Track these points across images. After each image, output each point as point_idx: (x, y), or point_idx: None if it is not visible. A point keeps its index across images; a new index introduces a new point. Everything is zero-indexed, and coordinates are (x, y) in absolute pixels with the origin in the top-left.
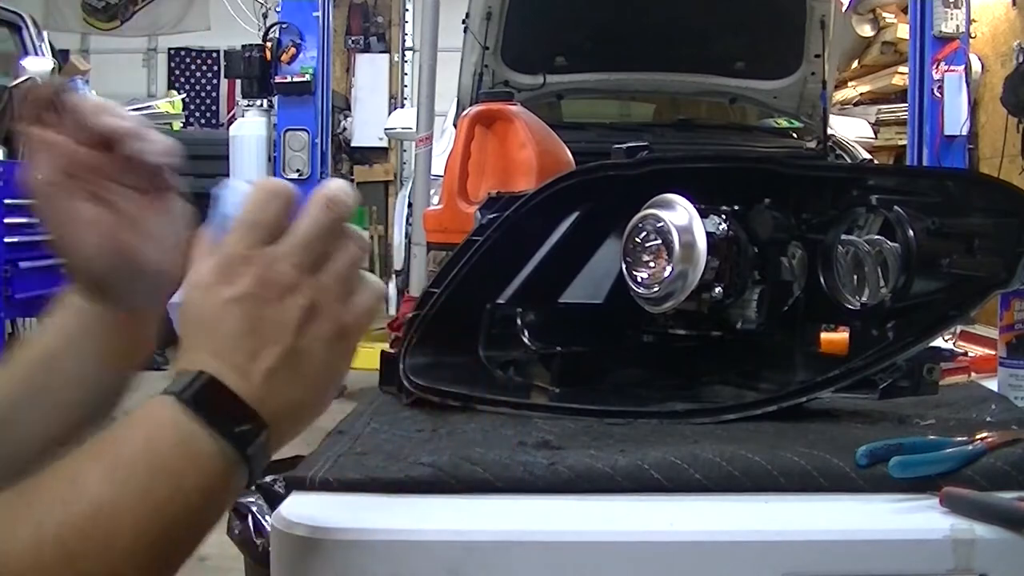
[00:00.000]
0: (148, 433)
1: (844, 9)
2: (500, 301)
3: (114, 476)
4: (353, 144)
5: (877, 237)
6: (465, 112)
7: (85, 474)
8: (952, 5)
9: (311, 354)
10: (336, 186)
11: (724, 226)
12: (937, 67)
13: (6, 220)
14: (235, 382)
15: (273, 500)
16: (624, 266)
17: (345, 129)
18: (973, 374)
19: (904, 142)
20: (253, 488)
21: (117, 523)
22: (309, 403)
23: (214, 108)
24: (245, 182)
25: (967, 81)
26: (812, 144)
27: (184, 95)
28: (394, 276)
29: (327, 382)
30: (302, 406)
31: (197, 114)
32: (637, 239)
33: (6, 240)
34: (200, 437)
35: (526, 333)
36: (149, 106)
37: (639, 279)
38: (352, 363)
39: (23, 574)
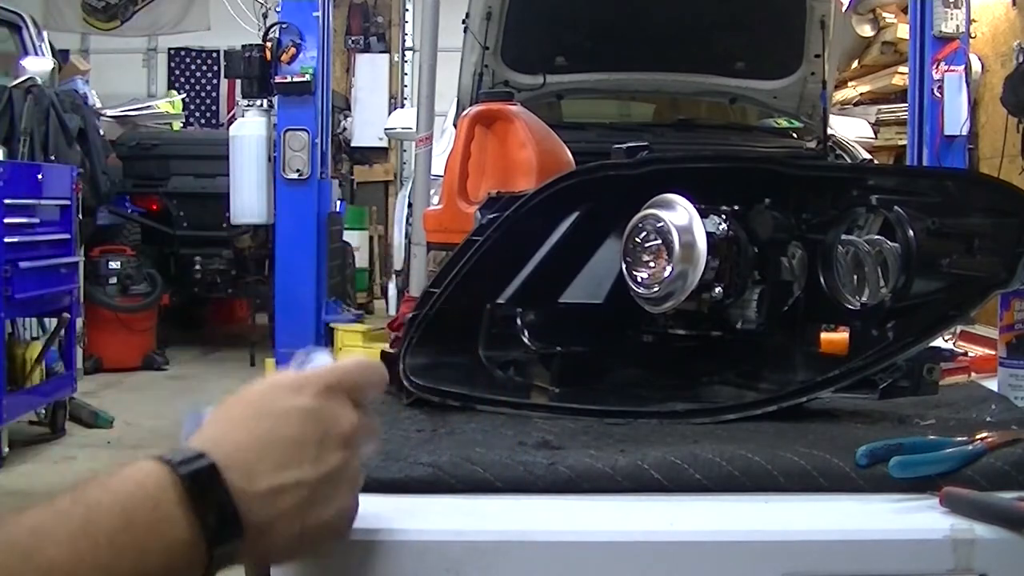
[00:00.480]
0: (126, 497)
1: (844, 9)
2: (500, 301)
3: (76, 542)
4: (353, 144)
5: (877, 237)
6: (465, 112)
7: (49, 531)
8: (952, 5)
9: (322, 506)
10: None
11: (724, 226)
12: (937, 67)
13: (6, 220)
14: (236, 480)
15: None
16: (624, 266)
17: (345, 129)
18: (973, 374)
19: (904, 142)
20: None
21: None
22: (290, 547)
23: (214, 108)
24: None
25: (967, 81)
26: (812, 144)
27: (184, 95)
28: (394, 276)
29: (313, 540)
30: (284, 541)
31: (197, 114)
32: (637, 239)
33: (6, 240)
34: (178, 522)
35: (526, 333)
36: (149, 106)
37: (639, 279)
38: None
39: None
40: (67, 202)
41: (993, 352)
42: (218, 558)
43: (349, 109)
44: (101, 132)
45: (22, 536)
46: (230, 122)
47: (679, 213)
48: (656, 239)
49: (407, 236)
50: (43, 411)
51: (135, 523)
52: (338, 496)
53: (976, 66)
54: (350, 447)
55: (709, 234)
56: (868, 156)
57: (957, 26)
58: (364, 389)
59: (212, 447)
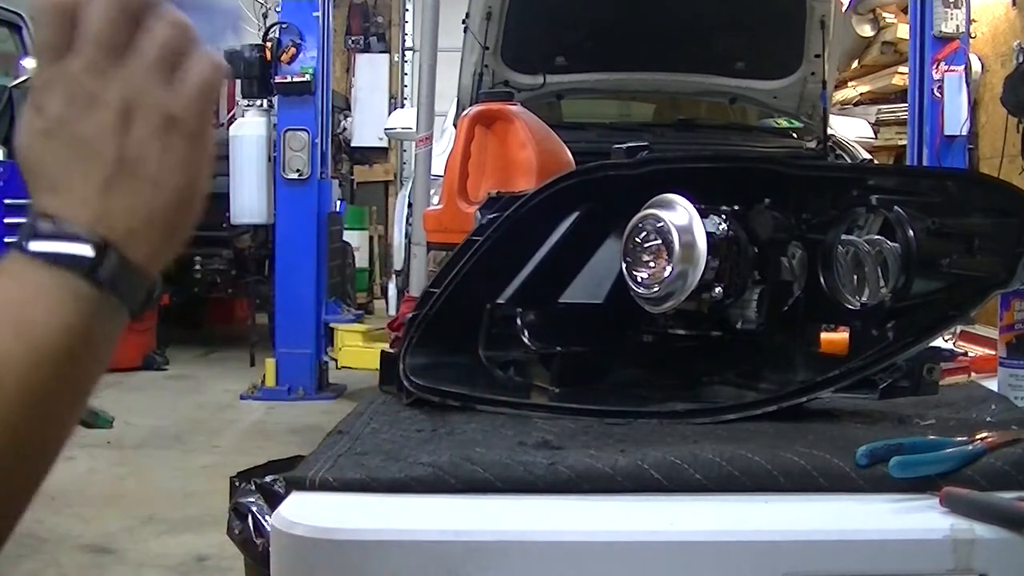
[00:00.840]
0: None
1: (844, 9)
2: (500, 301)
3: None
4: (353, 144)
5: (877, 237)
6: (465, 112)
7: None
8: (952, 5)
9: (143, 154)
10: None
11: (724, 226)
12: (937, 67)
13: (6, 220)
14: (71, 212)
15: (273, 500)
16: (624, 266)
17: (345, 129)
18: (973, 374)
19: (904, 142)
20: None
21: None
22: (163, 205)
23: (214, 108)
24: None
25: (967, 81)
26: (812, 144)
27: None
28: (394, 276)
29: (175, 178)
30: (155, 210)
31: None
32: (637, 239)
33: (6, 240)
34: (31, 272)
35: (526, 333)
36: None
37: (639, 279)
38: (205, 150)
39: None
40: None
41: (993, 352)
42: (114, 279)
43: (349, 109)
44: None
45: None
46: (230, 122)
47: (679, 213)
48: (656, 239)
49: (407, 236)
50: None
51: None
52: (146, 121)
53: (976, 66)
54: (107, 72)
55: (709, 234)
56: (868, 156)
57: (957, 26)
58: (61, 26)
59: (41, 208)
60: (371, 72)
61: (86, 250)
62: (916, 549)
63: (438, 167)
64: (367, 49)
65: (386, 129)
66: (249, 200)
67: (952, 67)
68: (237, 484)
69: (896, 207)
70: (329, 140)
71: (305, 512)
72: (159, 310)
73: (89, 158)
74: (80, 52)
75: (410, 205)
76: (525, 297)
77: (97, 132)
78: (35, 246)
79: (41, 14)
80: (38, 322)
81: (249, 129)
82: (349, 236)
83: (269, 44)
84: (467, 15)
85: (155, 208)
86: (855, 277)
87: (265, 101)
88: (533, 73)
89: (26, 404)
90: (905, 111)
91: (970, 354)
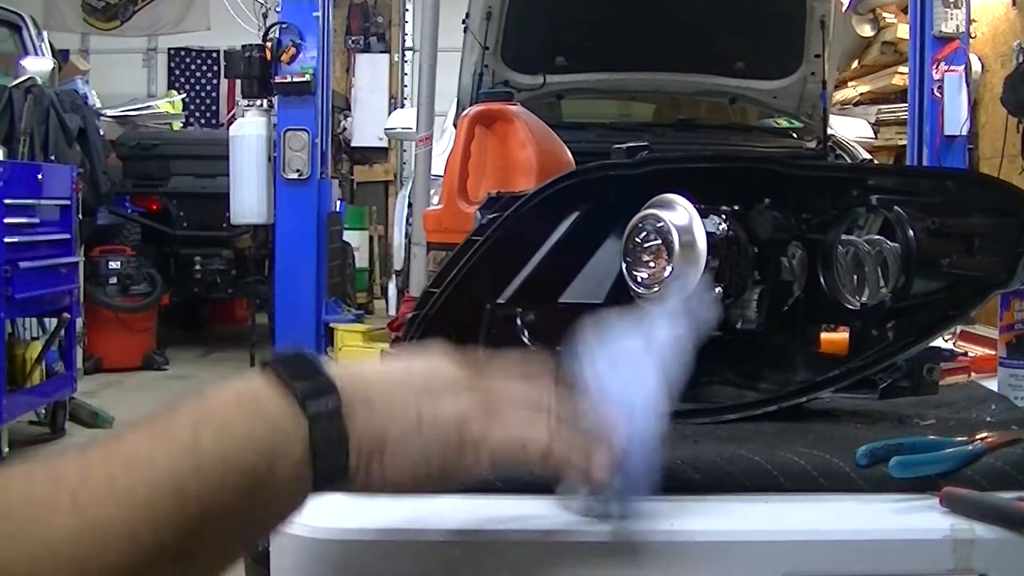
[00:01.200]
0: (209, 394)
1: (844, 9)
2: (500, 301)
3: (149, 428)
4: (353, 144)
5: (877, 237)
6: (465, 112)
7: (130, 430)
8: (952, 5)
9: (434, 399)
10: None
11: (724, 226)
12: (937, 67)
13: (6, 220)
14: (336, 371)
15: None
16: (624, 266)
17: (345, 129)
18: (973, 374)
19: (904, 142)
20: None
21: (142, 476)
22: (410, 435)
23: (214, 108)
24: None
25: (967, 81)
26: (812, 144)
27: (184, 95)
28: (394, 276)
29: (440, 439)
30: (400, 428)
31: (197, 114)
32: (637, 239)
33: (6, 240)
34: (259, 391)
35: (526, 333)
36: (149, 106)
37: (639, 279)
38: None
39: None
40: (67, 202)
41: (993, 352)
42: (319, 425)
43: (349, 109)
44: (101, 132)
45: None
46: (230, 122)
47: (679, 213)
48: (656, 239)
49: (407, 236)
50: (43, 411)
51: (213, 404)
52: (457, 401)
53: (976, 66)
54: (478, 375)
55: (709, 234)
56: (868, 156)
57: (957, 26)
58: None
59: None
60: (371, 72)
61: (322, 382)
62: (916, 549)
63: (438, 167)
64: (367, 49)
65: (386, 129)
66: (249, 200)
67: (952, 67)
68: None
69: (896, 207)
70: (329, 140)
71: (305, 512)
72: (159, 310)
73: (405, 387)
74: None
75: (410, 205)
76: (525, 297)
77: (440, 416)
78: (282, 365)
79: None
80: (247, 431)
81: (249, 129)
82: (349, 236)
83: (269, 44)
84: (467, 15)
85: (403, 417)
86: (855, 277)
87: (265, 101)
88: (533, 73)
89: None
90: (905, 111)
91: (970, 354)
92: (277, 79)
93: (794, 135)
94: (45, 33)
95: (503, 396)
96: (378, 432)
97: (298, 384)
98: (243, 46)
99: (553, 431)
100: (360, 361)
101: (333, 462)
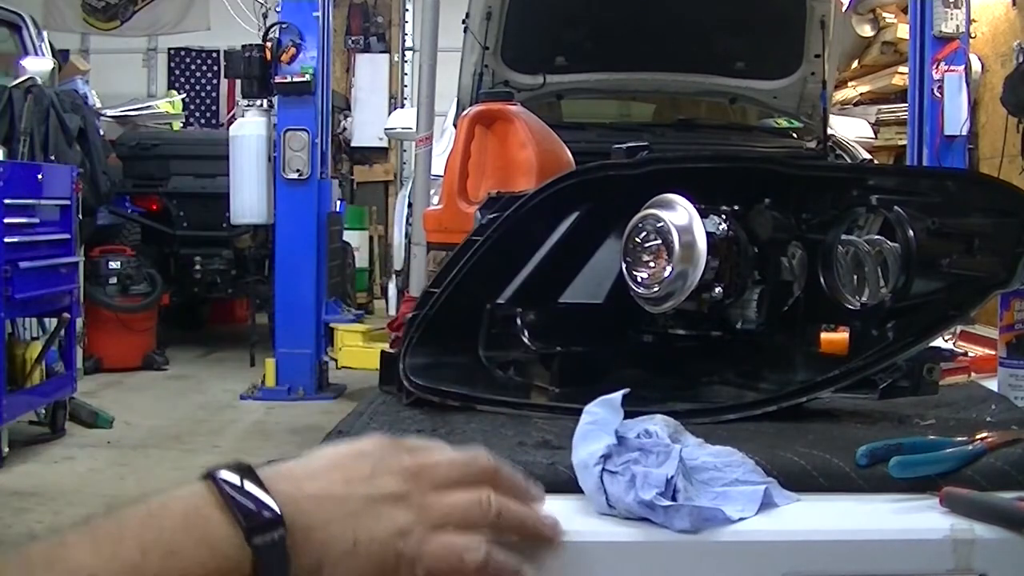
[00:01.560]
0: (160, 506)
1: (844, 9)
2: (500, 301)
3: (103, 549)
4: (353, 144)
5: (877, 237)
6: (465, 112)
7: (76, 541)
8: (952, 5)
9: (374, 519)
10: (504, 496)
11: (724, 226)
12: (937, 67)
13: (6, 220)
14: (276, 484)
15: None
16: (624, 266)
17: (345, 129)
18: (973, 374)
19: (904, 142)
20: None
21: None
22: (348, 556)
23: (214, 108)
24: None
25: (967, 81)
26: (812, 144)
27: (184, 95)
28: (394, 276)
29: (377, 559)
30: (340, 551)
31: (197, 114)
32: (637, 239)
33: (6, 240)
34: (209, 516)
35: (526, 333)
36: (149, 106)
37: (639, 279)
38: None
39: None
40: (67, 202)
41: (993, 352)
42: (264, 555)
43: (349, 109)
44: (101, 132)
45: (51, 548)
46: (230, 122)
47: (679, 213)
48: (656, 239)
49: (407, 236)
50: (43, 411)
51: (166, 525)
52: (398, 516)
53: (976, 66)
54: (414, 482)
55: (709, 234)
56: (868, 156)
57: (957, 26)
58: (442, 468)
59: (261, 469)
60: (371, 72)
61: (265, 519)
62: (916, 549)
63: (438, 167)
64: (367, 49)
65: (386, 129)
66: (249, 200)
67: (952, 67)
68: None
69: (896, 207)
70: (329, 140)
71: None
72: (159, 310)
73: (344, 487)
74: (418, 461)
75: (410, 205)
76: (525, 297)
77: (369, 490)
78: (258, 539)
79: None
80: (186, 551)
81: (249, 129)
82: (349, 236)
83: (269, 44)
84: (467, 15)
85: (342, 543)
86: (855, 277)
87: (265, 101)
88: (533, 73)
89: None
90: (905, 111)
91: (970, 354)
92: (277, 79)
93: (794, 135)
94: (45, 33)
95: (441, 508)
96: (316, 559)
97: (244, 516)
98: (243, 46)
99: (490, 542)
100: (303, 463)
101: None
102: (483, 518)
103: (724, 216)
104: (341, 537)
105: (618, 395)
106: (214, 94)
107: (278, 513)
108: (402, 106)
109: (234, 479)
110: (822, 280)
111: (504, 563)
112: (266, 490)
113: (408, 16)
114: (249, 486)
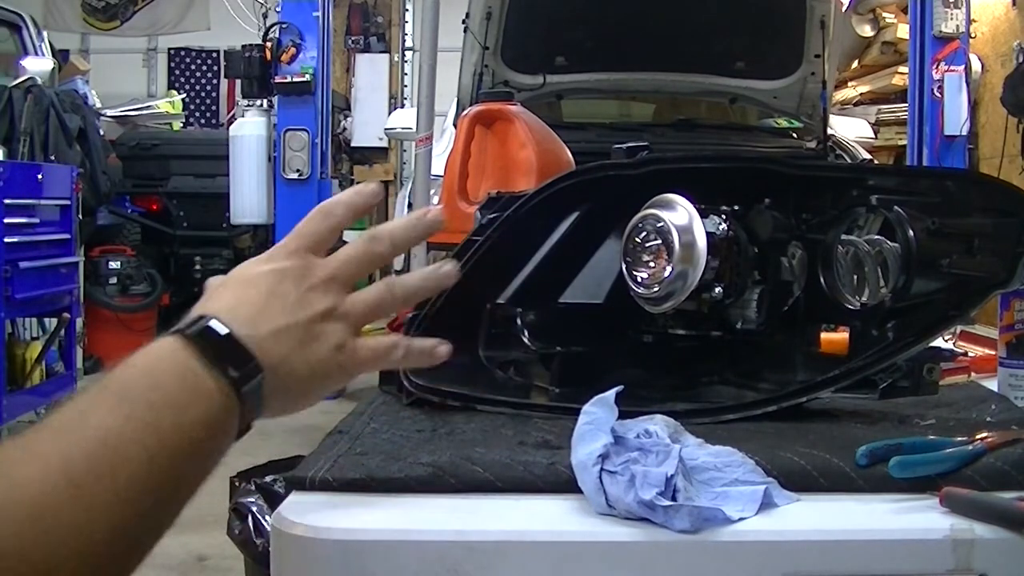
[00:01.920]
0: (149, 367)
1: (844, 9)
2: (500, 301)
3: (119, 408)
4: (353, 144)
5: (877, 237)
6: (465, 112)
7: (90, 408)
8: (952, 5)
9: (318, 342)
10: (386, 227)
11: (724, 226)
12: (937, 67)
13: (6, 220)
14: (239, 328)
15: (273, 500)
16: (624, 266)
17: (345, 129)
18: (973, 374)
19: (904, 142)
20: (252, 488)
21: (123, 452)
22: (304, 381)
23: (214, 108)
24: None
25: (967, 81)
26: (812, 144)
27: (184, 95)
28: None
29: (323, 376)
30: (298, 378)
31: (197, 114)
32: (637, 239)
33: (6, 240)
34: (198, 372)
35: (526, 333)
36: (149, 106)
37: (639, 279)
38: (344, 383)
39: (32, 506)
40: (67, 202)
41: (993, 352)
42: (247, 398)
43: (349, 109)
44: (101, 132)
45: (73, 415)
46: (230, 122)
47: (679, 213)
48: (656, 239)
49: None
50: (43, 411)
51: (163, 384)
52: (334, 333)
53: (976, 66)
54: (333, 289)
55: (709, 234)
56: (868, 156)
57: (957, 26)
58: (323, 235)
59: (209, 311)
60: (371, 72)
61: (244, 367)
62: (916, 549)
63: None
64: (367, 49)
65: (386, 129)
66: (249, 200)
67: (952, 67)
68: (237, 484)
69: (896, 207)
70: (329, 140)
71: (305, 512)
72: (159, 310)
73: (282, 309)
74: (328, 258)
75: (410, 205)
76: (525, 297)
77: (302, 303)
78: (199, 341)
79: (317, 212)
80: (187, 408)
81: (249, 129)
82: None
83: (269, 44)
84: (467, 15)
85: (299, 376)
86: (855, 277)
87: (265, 101)
88: (533, 73)
89: (149, 482)
90: (905, 111)
91: (970, 354)
92: (277, 79)
93: (794, 135)
94: (45, 33)
95: (359, 310)
96: (282, 392)
97: (235, 368)
98: (243, 46)
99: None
100: (239, 295)
101: (251, 420)
102: (393, 304)
103: (724, 216)
104: (300, 366)
105: (611, 393)
106: (214, 94)
107: (257, 361)
108: (402, 106)
109: (220, 330)
110: (822, 280)
111: (423, 347)
112: (241, 342)
113: (408, 16)
114: (231, 340)
